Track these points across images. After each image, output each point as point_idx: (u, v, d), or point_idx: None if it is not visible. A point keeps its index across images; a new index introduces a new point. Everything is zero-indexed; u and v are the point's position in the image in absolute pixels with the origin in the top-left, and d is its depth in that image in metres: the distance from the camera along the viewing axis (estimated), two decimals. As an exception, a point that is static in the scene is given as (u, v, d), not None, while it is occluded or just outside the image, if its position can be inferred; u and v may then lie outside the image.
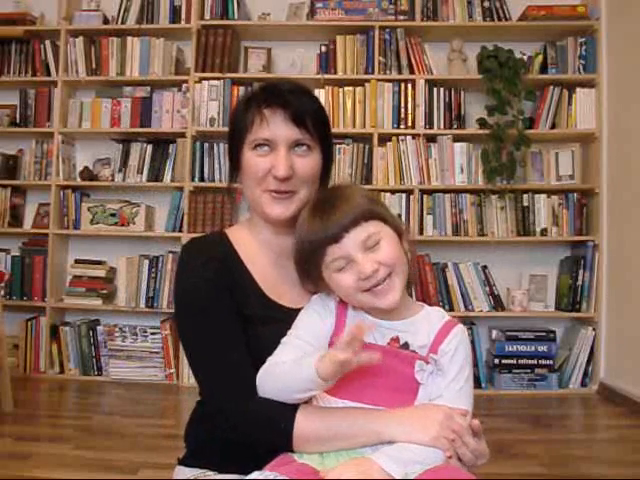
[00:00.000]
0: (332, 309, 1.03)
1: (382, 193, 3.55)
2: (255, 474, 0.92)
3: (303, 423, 0.97)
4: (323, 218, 0.99)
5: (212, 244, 1.15)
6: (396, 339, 1.00)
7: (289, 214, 1.11)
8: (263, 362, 1.01)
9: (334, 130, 4.10)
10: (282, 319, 1.06)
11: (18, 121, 3.83)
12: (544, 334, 3.47)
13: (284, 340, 1.02)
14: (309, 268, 1.04)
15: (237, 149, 1.14)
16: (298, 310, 1.07)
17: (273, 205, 1.11)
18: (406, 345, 1.00)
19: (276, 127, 1.09)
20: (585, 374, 3.48)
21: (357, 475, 0.88)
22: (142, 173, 3.74)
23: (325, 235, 0.98)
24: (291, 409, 0.98)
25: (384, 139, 3.61)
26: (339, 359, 0.88)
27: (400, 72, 3.65)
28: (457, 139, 3.62)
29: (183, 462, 1.15)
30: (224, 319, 1.06)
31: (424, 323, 1.02)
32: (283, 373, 0.96)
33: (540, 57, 3.64)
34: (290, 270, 1.13)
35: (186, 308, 1.09)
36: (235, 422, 1.01)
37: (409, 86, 3.63)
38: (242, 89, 3.62)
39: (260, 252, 1.15)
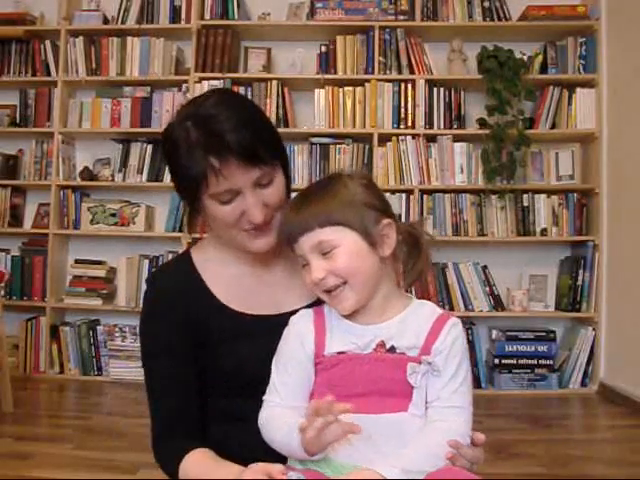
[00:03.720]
0: (310, 327, 0.99)
1: (382, 193, 3.55)
2: None
3: (188, 469, 1.00)
4: (292, 213, 0.99)
5: (174, 273, 1.14)
6: (382, 344, 0.95)
7: (272, 243, 1.06)
8: (243, 378, 1.04)
9: (334, 130, 4.07)
10: (257, 330, 1.06)
11: (18, 121, 3.83)
12: (544, 334, 3.47)
13: (272, 379, 0.99)
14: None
15: (194, 196, 1.04)
16: (281, 315, 1.06)
17: (254, 241, 1.06)
18: (393, 349, 0.95)
19: (233, 177, 0.99)
20: (585, 374, 3.48)
21: None
22: (142, 173, 3.74)
23: (289, 231, 0.99)
24: (178, 461, 1.01)
25: (384, 139, 3.60)
26: (305, 438, 0.87)
27: (400, 72, 3.65)
28: (457, 139, 3.62)
29: None
30: (172, 364, 1.08)
31: (412, 321, 0.98)
32: (278, 430, 0.94)
33: (540, 57, 3.64)
34: (268, 276, 1.13)
35: (142, 349, 1.13)
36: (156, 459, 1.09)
37: (409, 86, 3.62)
38: (242, 89, 3.62)
39: (229, 267, 1.12)
